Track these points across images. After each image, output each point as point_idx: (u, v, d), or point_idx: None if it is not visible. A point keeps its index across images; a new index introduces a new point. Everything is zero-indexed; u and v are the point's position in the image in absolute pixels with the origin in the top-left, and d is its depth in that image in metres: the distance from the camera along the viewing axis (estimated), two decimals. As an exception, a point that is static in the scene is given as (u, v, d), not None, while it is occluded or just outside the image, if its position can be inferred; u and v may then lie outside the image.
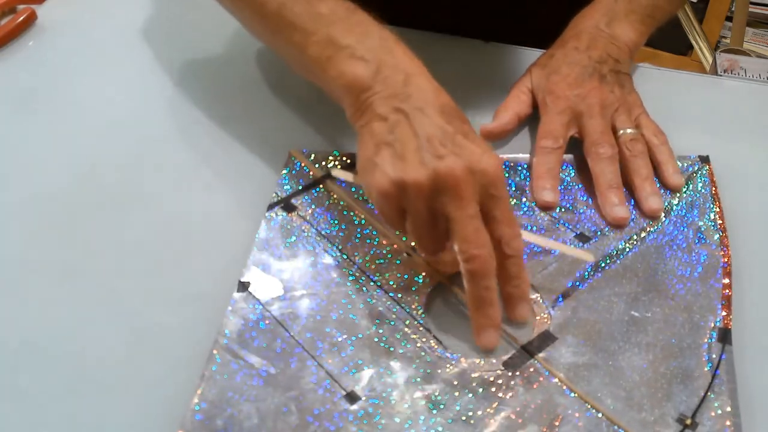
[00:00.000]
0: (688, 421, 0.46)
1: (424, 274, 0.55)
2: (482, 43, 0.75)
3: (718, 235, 0.57)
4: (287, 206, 0.59)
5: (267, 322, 0.51)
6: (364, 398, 0.47)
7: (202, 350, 0.50)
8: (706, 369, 0.49)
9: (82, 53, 0.77)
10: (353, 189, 0.61)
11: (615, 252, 0.56)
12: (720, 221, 0.58)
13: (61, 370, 0.51)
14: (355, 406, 0.47)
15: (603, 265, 0.56)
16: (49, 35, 0.78)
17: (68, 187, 0.63)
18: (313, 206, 0.59)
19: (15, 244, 0.59)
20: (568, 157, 0.64)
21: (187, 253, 0.58)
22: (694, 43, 1.49)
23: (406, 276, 0.55)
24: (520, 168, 0.63)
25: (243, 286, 0.53)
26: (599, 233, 0.58)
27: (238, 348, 0.50)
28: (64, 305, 0.55)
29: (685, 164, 0.63)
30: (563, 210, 0.60)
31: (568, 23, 0.72)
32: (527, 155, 0.64)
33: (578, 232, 0.58)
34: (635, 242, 0.57)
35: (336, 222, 0.58)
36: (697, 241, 0.57)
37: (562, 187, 0.61)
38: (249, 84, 0.73)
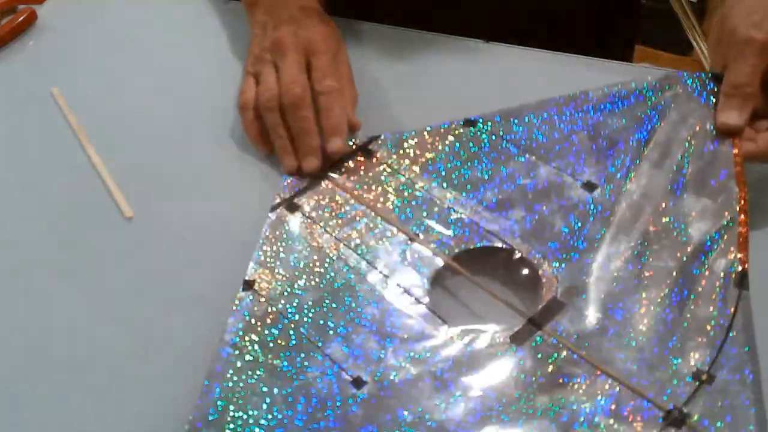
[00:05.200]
0: (704, 376, 0.44)
1: (427, 257, 0.55)
2: (482, 43, 0.75)
3: (730, 170, 0.53)
4: (291, 206, 0.59)
5: (272, 317, 0.51)
6: (370, 382, 0.47)
7: (206, 351, 0.50)
8: (720, 318, 0.46)
9: (82, 53, 0.77)
10: (352, 181, 0.61)
11: (623, 192, 0.54)
12: (735, 150, 0.54)
13: (61, 371, 0.51)
14: (362, 391, 0.47)
15: (609, 216, 0.54)
16: (49, 35, 0.78)
17: (68, 187, 0.63)
18: (316, 204, 0.59)
19: (15, 244, 0.59)
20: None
21: (191, 254, 0.58)
22: (694, 43, 1.49)
23: (408, 262, 0.55)
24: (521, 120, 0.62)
25: (247, 284, 0.54)
26: (604, 180, 0.56)
27: (244, 345, 0.50)
28: (65, 306, 0.55)
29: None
30: (567, 162, 0.58)
31: (567, 24, 0.72)
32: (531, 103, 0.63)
33: (584, 181, 0.57)
34: (641, 182, 0.55)
35: (339, 217, 0.58)
36: (711, 179, 0.54)
37: (567, 140, 0.59)
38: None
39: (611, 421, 0.44)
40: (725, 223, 0.51)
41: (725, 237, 0.50)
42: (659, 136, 0.57)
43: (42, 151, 0.67)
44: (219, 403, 0.47)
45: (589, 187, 0.56)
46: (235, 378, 0.48)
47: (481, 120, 0.63)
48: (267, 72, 0.64)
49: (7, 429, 0.49)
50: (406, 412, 0.46)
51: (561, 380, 0.46)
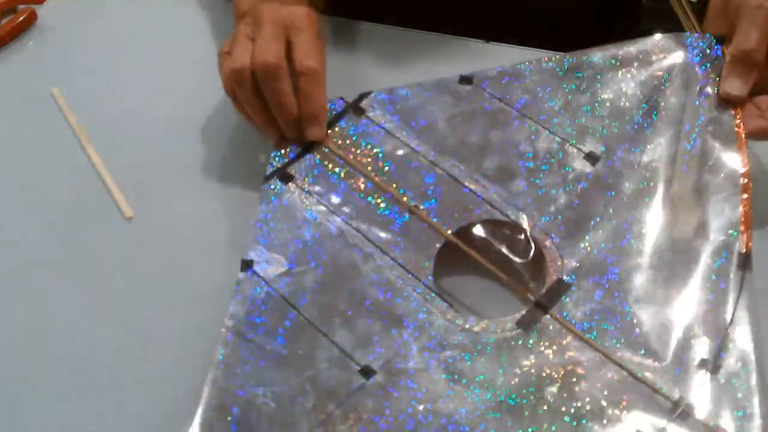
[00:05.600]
0: (710, 366, 0.44)
1: (428, 232, 0.53)
2: (482, 43, 0.75)
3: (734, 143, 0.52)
4: (284, 176, 0.57)
5: (273, 301, 0.50)
6: (379, 372, 0.47)
7: (205, 349, 0.50)
8: (725, 302, 0.46)
9: (82, 53, 0.77)
10: (346, 143, 0.59)
11: (627, 164, 0.53)
12: (737, 120, 0.53)
13: (61, 371, 0.51)
14: (371, 381, 0.46)
15: (613, 191, 0.53)
16: (49, 35, 0.78)
17: (68, 187, 0.63)
18: (310, 172, 0.57)
19: (15, 244, 0.59)
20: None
21: (191, 254, 0.58)
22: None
23: (410, 238, 0.53)
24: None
25: (246, 264, 0.52)
26: (605, 149, 0.55)
27: (247, 331, 0.49)
28: (65, 306, 0.55)
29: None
30: (568, 131, 0.57)
31: (567, 24, 0.72)
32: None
33: (587, 152, 0.55)
34: (645, 154, 0.54)
35: (334, 186, 0.56)
36: (709, 143, 0.52)
37: (571, 108, 0.57)
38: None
39: (617, 410, 0.43)
40: (727, 205, 0.50)
41: (728, 215, 0.49)
42: (665, 104, 0.55)
43: (42, 151, 0.67)
44: (224, 394, 0.46)
45: (592, 158, 0.55)
46: (240, 367, 0.47)
47: (475, 77, 0.60)
48: (239, 43, 0.59)
49: (7, 429, 0.49)
50: (415, 402, 0.45)
51: (568, 366, 0.46)
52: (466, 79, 0.61)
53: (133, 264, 0.57)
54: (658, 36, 0.59)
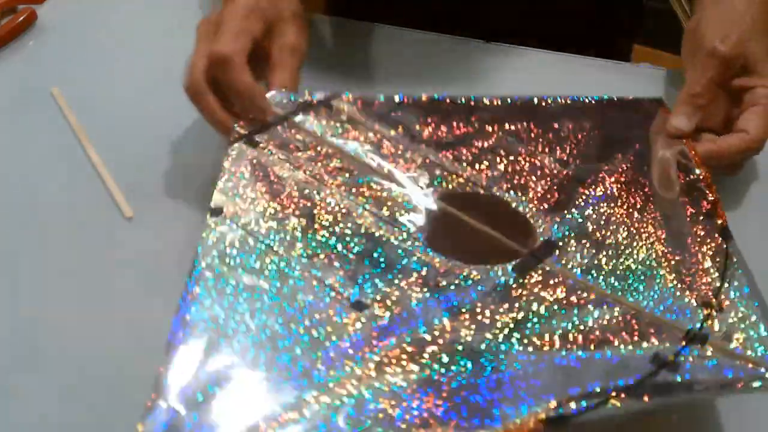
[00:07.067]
0: (714, 303, 0.46)
1: (412, 196, 0.53)
2: (482, 43, 0.75)
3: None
4: (250, 142, 0.56)
5: (251, 243, 0.49)
6: (371, 304, 0.46)
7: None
8: (716, 258, 0.49)
9: (82, 53, 0.77)
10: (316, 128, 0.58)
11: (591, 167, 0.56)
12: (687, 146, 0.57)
13: (61, 371, 0.51)
14: (365, 314, 0.46)
15: (602, 194, 0.55)
16: (49, 35, 0.78)
17: (68, 187, 0.63)
18: (279, 143, 0.57)
19: (14, 243, 0.59)
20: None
21: (191, 254, 0.58)
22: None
23: (391, 197, 0.53)
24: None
25: (215, 212, 0.51)
26: (576, 158, 0.57)
27: (226, 270, 0.47)
28: (65, 306, 0.55)
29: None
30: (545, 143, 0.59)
31: (567, 23, 0.72)
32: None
33: (558, 158, 0.57)
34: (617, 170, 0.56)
35: (306, 156, 0.56)
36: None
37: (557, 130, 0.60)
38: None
39: (632, 338, 0.45)
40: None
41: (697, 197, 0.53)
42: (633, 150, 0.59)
43: (42, 151, 0.67)
44: (199, 330, 0.44)
45: (561, 164, 0.57)
46: (219, 303, 0.46)
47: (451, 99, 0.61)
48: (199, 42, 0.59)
49: (7, 429, 0.49)
50: (421, 330, 0.45)
51: (572, 300, 0.47)
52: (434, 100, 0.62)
53: (133, 264, 0.57)
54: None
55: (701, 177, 0.55)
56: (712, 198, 0.53)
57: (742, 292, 0.47)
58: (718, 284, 0.47)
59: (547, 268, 0.49)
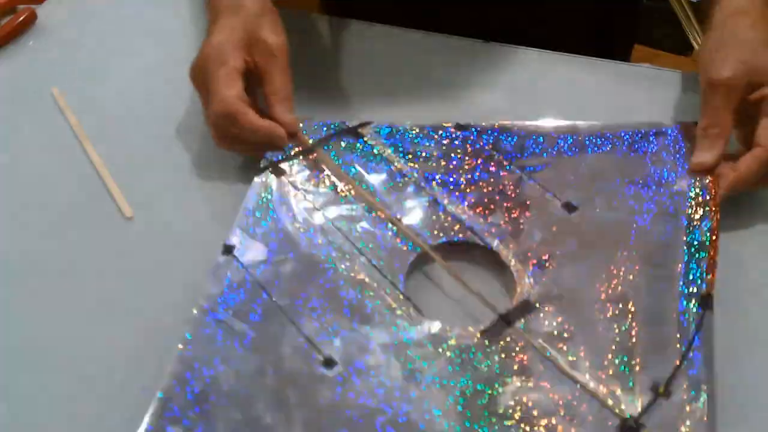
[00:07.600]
0: (661, 389, 0.46)
1: (406, 243, 0.55)
2: (482, 43, 0.75)
3: (702, 197, 0.56)
4: (276, 170, 0.60)
5: (249, 285, 0.52)
6: (340, 364, 0.48)
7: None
8: (682, 337, 0.48)
9: (82, 53, 0.77)
10: (339, 161, 0.61)
11: (600, 221, 0.56)
12: (709, 182, 0.57)
13: (61, 371, 0.51)
14: (331, 372, 0.48)
15: (585, 234, 0.55)
16: (49, 35, 0.78)
17: (68, 187, 0.63)
18: (301, 172, 0.60)
19: (14, 244, 0.59)
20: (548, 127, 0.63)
21: (191, 254, 0.58)
22: (694, 43, 1.49)
23: (389, 245, 0.55)
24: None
25: (227, 249, 0.54)
26: (583, 202, 0.57)
27: (219, 311, 0.51)
28: (65, 306, 0.55)
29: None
30: (551, 180, 0.59)
31: (567, 23, 0.72)
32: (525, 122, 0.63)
33: (564, 202, 0.58)
34: (619, 210, 0.56)
35: (323, 190, 0.59)
36: (681, 205, 0.56)
37: (553, 160, 0.60)
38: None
39: (569, 425, 0.45)
40: (695, 244, 0.53)
41: (695, 258, 0.52)
42: (646, 180, 0.59)
43: (42, 151, 0.67)
44: (189, 370, 0.48)
45: (569, 208, 0.57)
46: (208, 346, 0.49)
47: (476, 130, 0.63)
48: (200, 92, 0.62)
49: (7, 429, 0.49)
50: (371, 399, 0.47)
51: (524, 378, 0.47)
52: (461, 127, 0.63)
53: (133, 264, 0.57)
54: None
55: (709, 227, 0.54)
56: (712, 254, 0.52)
57: (699, 375, 0.46)
58: (677, 362, 0.47)
59: (513, 335, 0.50)
